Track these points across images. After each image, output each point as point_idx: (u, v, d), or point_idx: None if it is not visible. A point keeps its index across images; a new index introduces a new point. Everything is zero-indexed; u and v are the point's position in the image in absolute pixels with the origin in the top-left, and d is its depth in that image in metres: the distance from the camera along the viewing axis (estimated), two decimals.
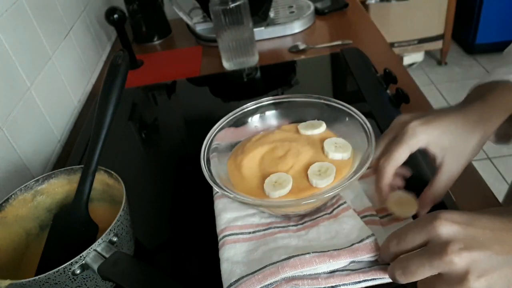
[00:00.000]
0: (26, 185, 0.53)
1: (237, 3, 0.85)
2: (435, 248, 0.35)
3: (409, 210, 0.48)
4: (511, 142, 0.52)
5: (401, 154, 0.46)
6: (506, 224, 0.35)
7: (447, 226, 0.35)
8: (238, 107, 0.58)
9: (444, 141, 0.45)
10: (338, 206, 0.50)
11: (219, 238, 0.50)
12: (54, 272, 0.41)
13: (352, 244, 0.44)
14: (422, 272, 0.35)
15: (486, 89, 0.48)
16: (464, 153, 0.46)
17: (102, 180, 0.53)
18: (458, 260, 0.33)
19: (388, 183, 0.47)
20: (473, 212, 0.36)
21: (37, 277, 0.41)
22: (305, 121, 0.57)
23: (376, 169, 0.48)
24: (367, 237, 0.44)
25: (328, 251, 0.43)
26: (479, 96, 0.48)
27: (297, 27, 1.05)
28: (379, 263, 0.43)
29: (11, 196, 0.51)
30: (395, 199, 0.49)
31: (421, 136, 0.45)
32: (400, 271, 0.37)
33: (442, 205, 0.51)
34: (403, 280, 0.37)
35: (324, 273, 0.44)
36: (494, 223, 0.35)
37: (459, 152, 0.46)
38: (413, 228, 0.37)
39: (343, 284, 0.43)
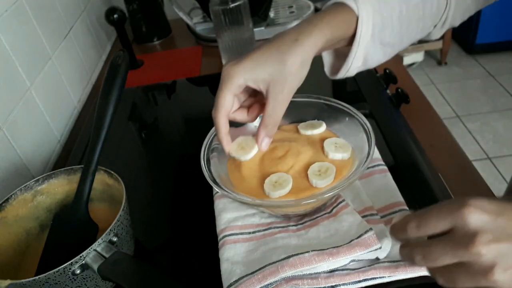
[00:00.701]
0: (26, 185, 0.53)
1: (237, 3, 0.85)
2: (462, 238, 0.33)
3: (249, 151, 0.50)
4: (340, 73, 0.52)
5: (225, 100, 0.45)
6: None
7: (476, 215, 0.33)
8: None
9: (261, 73, 0.44)
10: (338, 205, 0.50)
11: (219, 238, 0.50)
12: (54, 272, 0.41)
13: (351, 240, 0.44)
14: (444, 260, 0.34)
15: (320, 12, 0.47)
16: (286, 77, 0.44)
17: (102, 180, 0.53)
18: (485, 252, 0.32)
19: (225, 132, 0.47)
20: (503, 200, 0.34)
21: (37, 277, 0.41)
22: (305, 121, 0.57)
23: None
24: (366, 232, 0.44)
25: (327, 249, 0.44)
26: (308, 19, 0.47)
27: None
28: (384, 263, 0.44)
29: (11, 196, 0.51)
30: (236, 145, 0.50)
31: (235, 77, 0.44)
32: (421, 256, 0.35)
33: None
34: (422, 265, 0.36)
35: (324, 272, 0.44)
36: None
37: (280, 78, 0.44)
38: (438, 213, 0.35)
39: (343, 284, 0.43)
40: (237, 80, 0.44)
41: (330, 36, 0.45)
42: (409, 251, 0.37)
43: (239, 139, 0.52)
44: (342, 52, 0.51)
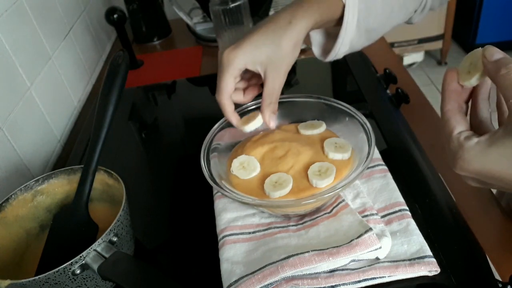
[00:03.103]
0: (26, 185, 0.53)
1: (237, 3, 0.85)
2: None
3: (250, 172, 0.51)
4: (329, 57, 0.55)
5: (227, 84, 0.48)
6: None
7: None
8: (238, 107, 0.58)
9: (259, 56, 0.47)
10: (337, 205, 0.50)
11: (219, 238, 0.50)
12: (54, 272, 0.41)
13: (351, 240, 0.44)
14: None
15: None
16: (282, 58, 0.48)
17: (102, 180, 0.53)
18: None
19: (231, 111, 0.51)
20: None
21: (37, 277, 0.41)
22: (305, 121, 0.57)
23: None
24: (366, 232, 0.44)
25: (327, 248, 0.44)
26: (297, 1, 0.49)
27: None
28: (379, 261, 0.44)
29: (11, 196, 0.51)
30: (238, 163, 0.52)
31: (235, 61, 0.47)
32: None
33: (439, 203, 0.51)
34: None
35: (324, 272, 0.44)
36: None
37: (276, 59, 0.47)
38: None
39: (343, 284, 0.43)
40: (237, 63, 0.47)
41: (320, 18, 0.48)
42: None
43: (241, 157, 0.52)
44: (331, 32, 0.54)
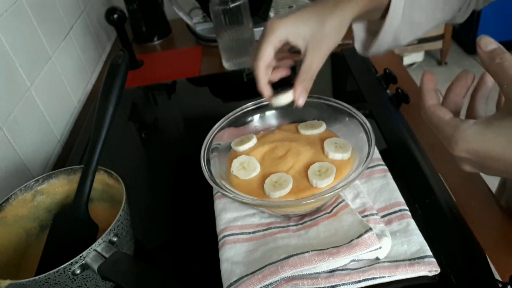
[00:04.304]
0: (26, 185, 0.53)
1: (237, 3, 0.85)
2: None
3: (250, 172, 0.51)
4: (372, 49, 0.55)
5: (266, 51, 0.48)
6: None
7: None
8: (238, 107, 0.58)
9: (303, 30, 0.47)
10: (337, 205, 0.50)
11: (219, 238, 0.50)
12: (54, 272, 0.41)
13: (351, 240, 0.44)
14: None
15: None
16: (325, 37, 0.48)
17: (102, 180, 0.53)
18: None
19: (264, 82, 0.50)
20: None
21: (37, 277, 0.41)
22: (305, 121, 0.58)
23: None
24: (366, 232, 0.44)
25: (327, 248, 0.44)
26: None
27: None
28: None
29: (11, 196, 0.51)
30: (238, 163, 0.52)
31: (279, 30, 0.47)
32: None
33: (439, 203, 0.51)
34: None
35: (324, 272, 0.44)
36: None
37: (319, 37, 0.47)
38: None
39: (343, 284, 0.43)
40: (280, 33, 0.47)
41: (368, 4, 0.48)
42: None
43: (241, 157, 0.53)
44: (373, 30, 0.54)
